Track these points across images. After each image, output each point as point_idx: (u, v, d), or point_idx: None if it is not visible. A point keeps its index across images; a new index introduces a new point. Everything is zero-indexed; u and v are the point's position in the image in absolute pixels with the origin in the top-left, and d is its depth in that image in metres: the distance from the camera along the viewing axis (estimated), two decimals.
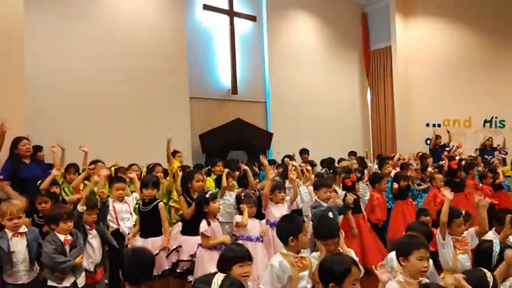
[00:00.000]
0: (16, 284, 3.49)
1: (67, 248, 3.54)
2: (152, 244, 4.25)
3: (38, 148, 5.93)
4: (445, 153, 9.03)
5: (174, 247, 4.34)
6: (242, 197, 4.61)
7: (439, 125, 11.37)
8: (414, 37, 11.87)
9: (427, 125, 11.40)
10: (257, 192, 5.12)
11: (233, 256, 2.71)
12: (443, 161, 7.40)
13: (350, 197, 5.03)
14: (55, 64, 7.23)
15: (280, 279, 2.98)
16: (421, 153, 8.71)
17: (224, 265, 2.68)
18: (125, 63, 8.07)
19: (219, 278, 1.87)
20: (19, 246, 3.52)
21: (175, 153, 6.12)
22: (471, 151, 9.70)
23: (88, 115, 7.49)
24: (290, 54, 10.94)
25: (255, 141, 9.23)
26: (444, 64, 11.57)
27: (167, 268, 4.30)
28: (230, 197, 5.29)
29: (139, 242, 4.29)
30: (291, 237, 3.06)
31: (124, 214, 4.77)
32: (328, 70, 11.74)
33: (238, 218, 4.52)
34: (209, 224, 4.00)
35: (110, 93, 7.82)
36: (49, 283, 3.47)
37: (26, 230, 3.61)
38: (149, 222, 4.41)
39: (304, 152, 8.98)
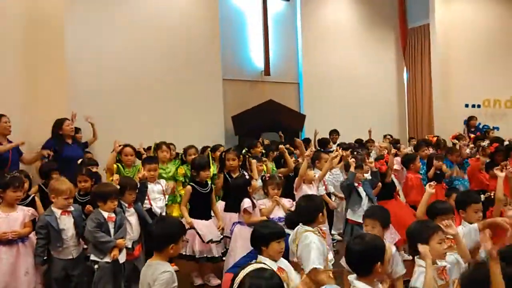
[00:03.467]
0: (66, 259, 3.69)
1: (111, 225, 3.69)
2: (211, 229, 4.42)
3: (76, 130, 6.14)
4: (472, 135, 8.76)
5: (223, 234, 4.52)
6: (267, 178, 4.66)
7: (478, 106, 10.97)
8: (453, 14, 11.36)
9: (466, 105, 11.01)
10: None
11: (272, 232, 2.76)
12: (485, 143, 7.14)
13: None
14: (93, 48, 7.36)
15: (323, 254, 3.06)
16: (457, 134, 8.44)
17: (261, 241, 2.72)
18: (159, 46, 8.15)
19: (249, 268, 1.90)
20: (67, 224, 3.71)
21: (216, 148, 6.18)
22: None
23: (123, 97, 7.63)
24: (324, 33, 10.74)
25: (288, 123, 9.20)
26: (485, 42, 11.06)
27: (217, 256, 4.44)
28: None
29: (200, 224, 4.43)
30: (320, 214, 3.18)
31: (156, 195, 4.80)
32: (363, 49, 11.46)
33: (261, 204, 4.56)
34: (253, 202, 4.21)
35: (144, 76, 7.93)
36: (92, 257, 3.64)
37: (72, 208, 3.79)
38: (204, 204, 4.53)
39: (334, 133, 8.91)
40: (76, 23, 6.93)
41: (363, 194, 4.80)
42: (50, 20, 5.72)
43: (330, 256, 3.20)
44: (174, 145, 6.25)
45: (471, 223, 3.39)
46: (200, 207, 4.51)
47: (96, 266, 3.60)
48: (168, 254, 2.66)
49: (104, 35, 7.56)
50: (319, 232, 3.14)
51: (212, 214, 4.66)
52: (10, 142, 4.91)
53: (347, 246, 2.57)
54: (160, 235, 2.65)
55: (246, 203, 4.14)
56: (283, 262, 2.83)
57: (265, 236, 2.74)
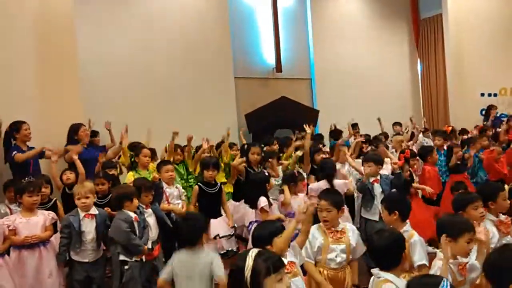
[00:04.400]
0: (81, 261, 3.75)
1: (136, 225, 3.74)
2: (218, 225, 4.46)
3: (94, 133, 6.22)
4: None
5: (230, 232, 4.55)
6: (297, 174, 4.69)
7: (495, 95, 10.77)
8: (466, 3, 11.11)
9: (482, 94, 10.83)
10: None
11: (272, 230, 2.76)
12: (503, 127, 7.03)
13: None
14: (104, 49, 7.45)
15: (310, 246, 3.13)
16: (480, 126, 8.31)
17: (263, 240, 2.73)
18: (170, 46, 8.21)
19: (253, 253, 1.91)
20: (88, 227, 3.77)
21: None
22: None
23: (135, 97, 7.71)
24: (335, 27, 10.67)
25: (301, 119, 9.13)
26: (499, 31, 10.83)
27: (229, 249, 4.48)
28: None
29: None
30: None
31: (175, 200, 4.77)
32: (375, 42, 11.36)
33: (282, 197, 4.64)
34: (269, 200, 4.27)
35: (156, 76, 8.00)
36: (121, 257, 3.68)
37: (96, 212, 3.85)
38: (212, 204, 4.57)
39: (354, 126, 8.74)
40: (86, 25, 7.01)
41: (378, 191, 4.74)
42: (61, 23, 5.76)
43: (331, 255, 3.15)
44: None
45: (499, 213, 3.39)
46: (208, 207, 4.54)
47: (126, 267, 3.65)
48: (202, 243, 3.01)
49: (115, 36, 7.64)
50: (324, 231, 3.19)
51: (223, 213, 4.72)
52: (30, 147, 5.00)
53: (369, 244, 2.63)
54: (192, 230, 2.98)
55: (262, 202, 4.18)
56: (292, 254, 2.84)
57: (266, 235, 2.75)
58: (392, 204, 3.29)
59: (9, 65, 5.24)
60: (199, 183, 4.68)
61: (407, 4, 12.21)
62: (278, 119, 8.82)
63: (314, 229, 3.17)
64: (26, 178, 4.17)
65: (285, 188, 4.60)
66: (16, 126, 4.87)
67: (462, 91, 11.01)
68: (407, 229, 3.16)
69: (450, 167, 5.98)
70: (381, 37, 11.53)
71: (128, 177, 4.87)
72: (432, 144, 6.79)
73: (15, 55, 5.34)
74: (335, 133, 8.28)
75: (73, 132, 5.34)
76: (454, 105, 11.10)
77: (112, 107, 7.28)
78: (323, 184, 4.77)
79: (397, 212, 3.22)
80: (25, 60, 5.43)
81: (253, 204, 4.37)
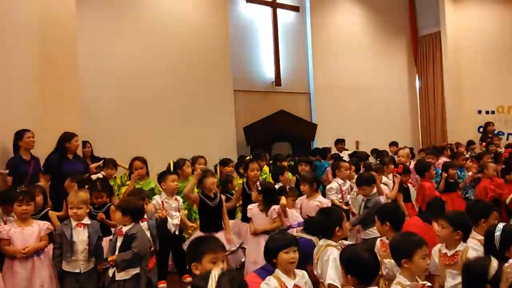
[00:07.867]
0: (73, 272, 3.68)
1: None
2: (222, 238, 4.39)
3: (83, 144, 6.12)
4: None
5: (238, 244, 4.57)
6: (288, 190, 4.66)
7: (492, 112, 10.86)
8: (464, 21, 11.31)
9: (479, 112, 10.91)
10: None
11: (277, 244, 2.71)
12: (502, 149, 7.09)
13: None
14: (103, 60, 7.46)
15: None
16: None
17: (269, 253, 2.71)
18: (170, 58, 8.22)
19: (215, 273, 1.87)
20: (80, 237, 3.71)
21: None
22: None
23: (135, 109, 7.69)
24: (335, 43, 10.76)
25: (300, 133, 9.19)
26: (497, 49, 10.98)
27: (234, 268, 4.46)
28: None
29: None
30: (337, 228, 3.07)
31: (173, 212, 4.67)
32: (374, 58, 11.45)
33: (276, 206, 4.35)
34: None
35: (156, 88, 7.99)
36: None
37: (89, 222, 3.80)
38: (215, 217, 4.59)
39: (339, 142, 8.81)
40: (87, 36, 7.02)
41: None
42: (62, 32, 5.82)
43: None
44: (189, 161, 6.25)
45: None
46: (210, 220, 4.57)
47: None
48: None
49: (115, 47, 7.65)
50: (341, 247, 3.01)
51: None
52: (34, 156, 5.07)
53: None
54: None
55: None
56: (302, 279, 2.73)
57: (272, 248, 2.72)
58: (383, 215, 3.27)
59: (9, 72, 5.25)
60: (200, 196, 4.63)
61: (406, 21, 12.32)
62: (277, 133, 8.83)
63: (333, 251, 2.98)
64: (19, 188, 4.12)
65: (282, 197, 4.48)
66: (19, 134, 4.92)
67: (460, 108, 11.10)
68: None
69: (439, 187, 5.93)
70: (380, 53, 11.62)
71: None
72: None
73: (16, 62, 5.37)
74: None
75: (65, 140, 5.27)
76: (452, 121, 11.19)
77: (108, 117, 7.28)
78: None
79: (388, 223, 3.20)
80: (25, 68, 5.46)
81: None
